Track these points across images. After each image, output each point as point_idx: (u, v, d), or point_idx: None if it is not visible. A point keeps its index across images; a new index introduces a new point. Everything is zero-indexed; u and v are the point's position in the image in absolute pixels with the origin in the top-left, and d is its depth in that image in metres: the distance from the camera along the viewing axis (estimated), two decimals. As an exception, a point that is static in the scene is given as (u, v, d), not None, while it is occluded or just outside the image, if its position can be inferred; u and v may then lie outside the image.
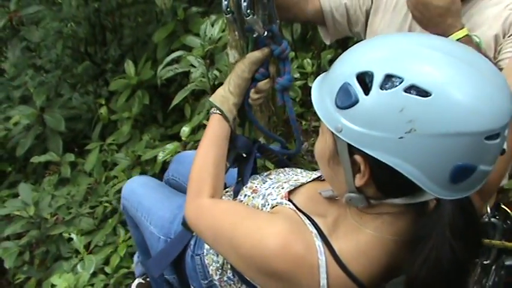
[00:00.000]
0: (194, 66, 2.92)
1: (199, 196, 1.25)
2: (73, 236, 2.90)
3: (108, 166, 3.56)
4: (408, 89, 0.78)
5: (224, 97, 1.34)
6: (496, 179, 1.00)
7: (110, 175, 3.42)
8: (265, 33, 1.28)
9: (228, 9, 1.26)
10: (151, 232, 1.65)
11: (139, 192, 1.80)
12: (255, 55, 1.33)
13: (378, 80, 0.81)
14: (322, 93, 0.92)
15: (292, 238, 0.97)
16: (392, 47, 0.86)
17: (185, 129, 2.87)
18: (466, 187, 0.84)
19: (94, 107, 4.14)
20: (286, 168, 1.47)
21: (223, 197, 1.43)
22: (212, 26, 2.98)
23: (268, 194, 1.22)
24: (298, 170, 1.47)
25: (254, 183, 1.37)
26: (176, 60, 3.16)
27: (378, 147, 0.82)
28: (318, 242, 0.97)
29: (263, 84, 1.36)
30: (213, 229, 1.13)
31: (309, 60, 3.33)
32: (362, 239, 0.97)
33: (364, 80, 0.83)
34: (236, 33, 1.41)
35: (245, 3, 1.19)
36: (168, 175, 1.98)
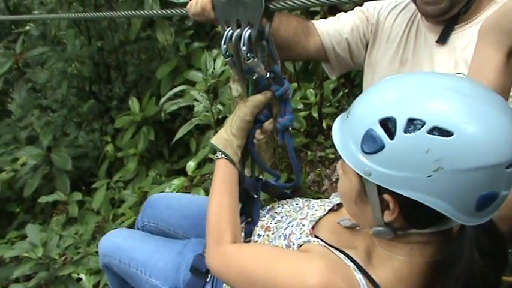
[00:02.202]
0: (198, 101, 2.94)
1: (221, 244, 1.22)
2: (82, 276, 2.87)
3: (116, 203, 3.56)
4: (431, 131, 0.83)
5: (227, 140, 1.33)
6: None
7: (117, 212, 3.41)
8: (268, 74, 1.28)
9: (227, 53, 1.27)
10: (154, 285, 1.58)
11: (126, 246, 1.71)
12: (258, 99, 1.32)
13: (401, 124, 0.85)
14: (344, 137, 0.96)
15: (333, 275, 0.96)
16: (408, 90, 0.91)
17: (191, 164, 2.87)
18: (490, 212, 0.89)
19: (100, 144, 4.17)
20: (288, 200, 1.46)
21: None
22: (214, 60, 3.01)
23: (290, 234, 1.19)
24: (300, 201, 1.47)
25: (264, 220, 1.36)
26: (180, 95, 3.19)
27: (408, 187, 0.86)
28: (358, 275, 0.97)
29: (268, 124, 1.35)
30: (245, 275, 1.11)
31: (312, 90, 3.35)
32: (397, 265, 0.98)
33: (387, 125, 0.87)
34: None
35: (244, 48, 1.19)
36: (142, 222, 1.87)
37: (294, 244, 1.15)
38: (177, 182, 2.86)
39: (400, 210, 0.91)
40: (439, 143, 0.82)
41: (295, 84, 3.36)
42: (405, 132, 0.84)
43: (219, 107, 2.92)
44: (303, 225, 1.19)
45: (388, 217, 0.93)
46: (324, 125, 3.33)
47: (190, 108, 3.19)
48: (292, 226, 1.22)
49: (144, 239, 1.76)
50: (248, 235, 1.35)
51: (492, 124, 0.83)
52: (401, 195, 0.87)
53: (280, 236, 1.22)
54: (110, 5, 4.27)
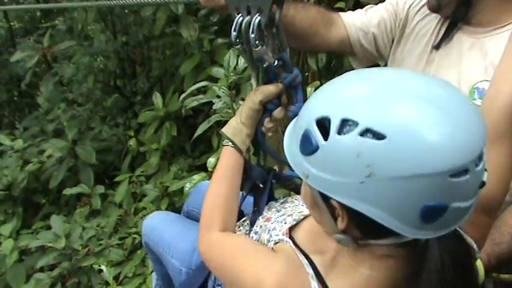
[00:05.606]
0: (219, 97, 2.94)
1: (209, 230, 1.24)
2: (103, 267, 2.93)
3: (137, 197, 3.62)
4: (364, 133, 0.76)
5: (236, 128, 1.33)
6: (499, 191, 0.99)
7: (139, 206, 3.47)
8: (276, 62, 1.27)
9: (238, 40, 1.26)
10: (173, 265, 1.66)
11: (159, 227, 1.81)
12: (270, 89, 1.31)
13: (335, 125, 0.79)
14: (291, 140, 0.91)
15: (288, 279, 0.97)
16: (349, 90, 0.85)
17: (211, 160, 2.87)
18: (443, 225, 0.81)
19: (124, 139, 4.23)
20: None
21: (241, 227, 1.43)
22: (237, 57, 3.00)
23: (273, 229, 1.20)
24: None
25: (269, 213, 1.35)
26: (203, 91, 3.20)
27: (343, 193, 0.80)
28: (314, 284, 0.96)
29: (277, 112, 1.34)
30: (218, 263, 1.15)
31: (334, 87, 3.32)
32: (357, 278, 0.95)
33: (324, 125, 0.81)
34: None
35: (253, 35, 1.19)
36: (187, 207, 1.97)
37: (272, 239, 1.15)
38: (197, 177, 2.88)
39: (349, 218, 0.86)
40: (370, 147, 0.75)
41: (318, 82, 3.34)
42: (338, 133, 0.78)
43: (241, 103, 2.91)
44: (285, 223, 1.18)
45: (340, 224, 0.88)
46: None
47: (212, 104, 3.20)
48: (278, 222, 1.22)
49: (176, 221, 1.85)
50: (252, 224, 1.36)
51: (434, 129, 0.75)
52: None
53: (266, 230, 1.23)
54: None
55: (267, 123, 1.36)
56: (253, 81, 2.54)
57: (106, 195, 3.76)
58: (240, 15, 1.23)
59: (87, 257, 3.10)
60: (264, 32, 1.22)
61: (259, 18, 1.18)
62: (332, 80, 0.89)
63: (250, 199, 1.47)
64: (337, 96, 0.85)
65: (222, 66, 3.12)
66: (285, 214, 1.27)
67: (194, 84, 3.06)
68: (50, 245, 3.04)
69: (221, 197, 1.29)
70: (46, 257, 3.05)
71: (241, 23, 1.22)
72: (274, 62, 1.27)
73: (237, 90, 3.01)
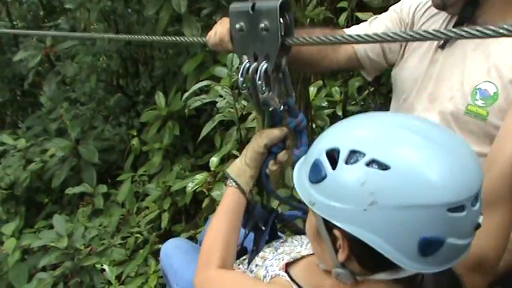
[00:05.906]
0: (222, 97, 2.94)
1: (207, 268, 1.25)
2: (105, 267, 2.93)
3: (140, 197, 3.61)
4: (370, 163, 0.84)
5: (241, 169, 1.35)
6: (495, 253, 1.04)
7: (141, 206, 3.47)
8: (282, 107, 1.30)
9: (244, 85, 1.27)
10: None
11: (171, 254, 1.84)
12: (274, 133, 1.32)
13: (343, 155, 0.87)
14: (301, 170, 0.99)
15: None
16: (358, 127, 0.94)
17: (214, 160, 2.87)
18: (440, 260, 0.85)
19: (126, 138, 4.23)
20: (302, 236, 1.46)
21: (240, 266, 1.44)
22: (240, 56, 2.98)
23: (270, 265, 1.23)
24: None
25: (266, 251, 1.37)
26: (206, 91, 3.19)
27: (346, 220, 0.86)
28: None
29: (282, 155, 1.36)
30: None
31: (337, 88, 3.32)
32: None
33: (333, 155, 0.89)
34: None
35: (259, 82, 1.20)
36: (202, 237, 1.98)
37: (268, 275, 1.18)
38: (199, 177, 2.88)
39: (350, 249, 0.91)
40: (375, 176, 0.82)
41: (320, 82, 3.34)
42: (346, 163, 0.86)
43: (243, 102, 2.91)
44: (282, 260, 1.21)
45: (341, 256, 0.93)
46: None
47: (215, 104, 3.20)
48: (275, 259, 1.25)
49: (187, 251, 1.86)
50: (249, 263, 1.38)
51: (435, 164, 0.82)
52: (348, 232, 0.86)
53: (263, 266, 1.26)
54: (139, -3, 4.30)
55: (271, 166, 1.38)
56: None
57: (108, 195, 3.76)
58: (247, 61, 1.23)
59: (89, 256, 3.09)
60: (270, 78, 1.23)
61: (266, 65, 1.19)
62: (342, 120, 1.00)
63: (252, 236, 1.48)
64: (347, 131, 0.94)
65: (224, 65, 3.11)
66: (283, 252, 1.29)
67: (197, 83, 3.06)
68: (52, 244, 3.04)
69: (221, 235, 1.30)
70: (48, 257, 3.05)
71: (248, 69, 1.23)
72: (279, 107, 1.29)
73: (239, 89, 3.01)
